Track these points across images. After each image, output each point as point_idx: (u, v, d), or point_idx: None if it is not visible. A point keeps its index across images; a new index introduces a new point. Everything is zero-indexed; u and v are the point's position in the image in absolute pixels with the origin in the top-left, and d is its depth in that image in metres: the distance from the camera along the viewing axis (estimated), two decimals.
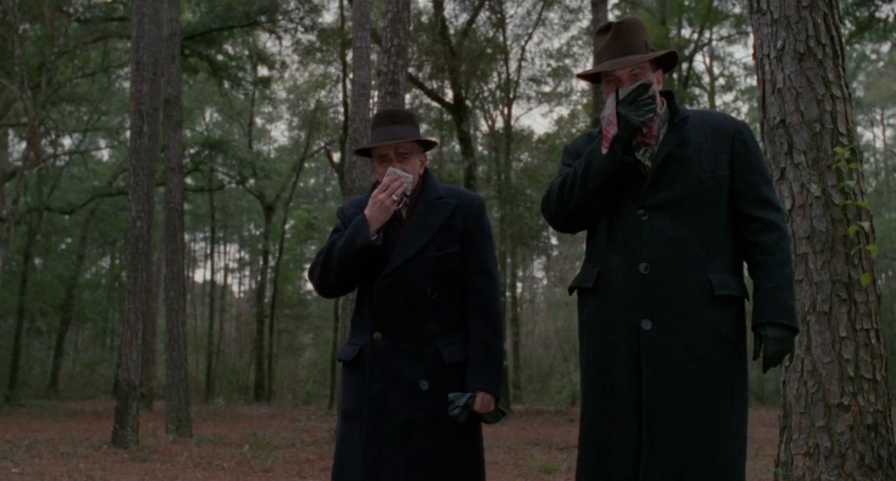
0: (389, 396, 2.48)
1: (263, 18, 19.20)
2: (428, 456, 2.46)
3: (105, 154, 31.17)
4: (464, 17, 19.85)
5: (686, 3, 20.45)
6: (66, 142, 27.01)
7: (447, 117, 20.71)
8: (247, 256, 38.33)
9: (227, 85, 21.63)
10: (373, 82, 11.58)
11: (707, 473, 2.24)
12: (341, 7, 20.83)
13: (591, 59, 21.39)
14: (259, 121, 32.55)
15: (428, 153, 2.77)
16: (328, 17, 35.16)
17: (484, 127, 25.38)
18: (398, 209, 2.59)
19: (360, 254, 2.51)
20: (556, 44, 38.77)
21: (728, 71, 26.79)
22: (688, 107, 2.51)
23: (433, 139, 2.76)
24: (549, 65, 24.60)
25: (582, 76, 2.60)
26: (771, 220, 2.37)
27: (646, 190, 2.36)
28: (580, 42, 24.69)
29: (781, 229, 2.37)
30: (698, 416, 2.25)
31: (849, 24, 15.52)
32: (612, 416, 2.33)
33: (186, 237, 29.80)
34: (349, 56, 19.53)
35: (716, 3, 20.30)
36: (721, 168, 2.38)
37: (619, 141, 2.34)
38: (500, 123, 24.14)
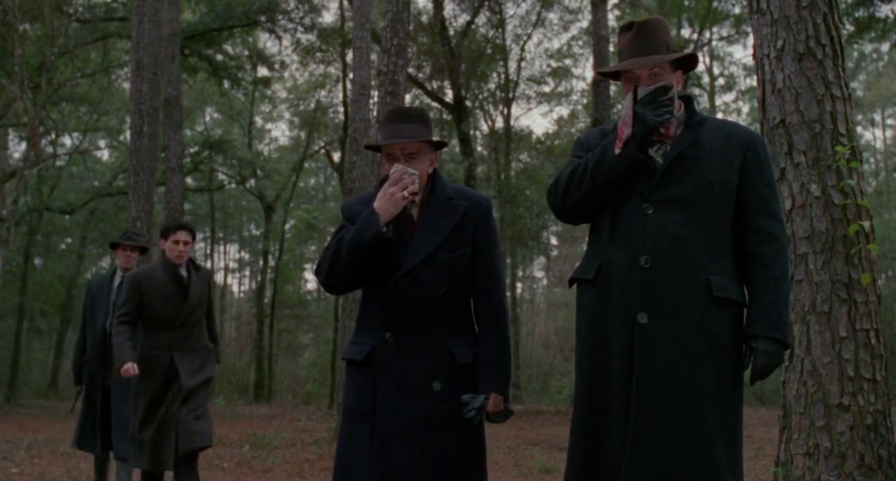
0: (401, 397, 2.48)
1: (263, 18, 19.20)
2: (437, 457, 2.46)
3: (105, 154, 31.17)
4: (464, 18, 19.88)
5: (686, 3, 20.45)
6: (67, 142, 27.03)
7: (447, 117, 20.72)
8: (247, 256, 38.32)
9: (227, 85, 21.63)
10: (373, 82, 11.57)
11: (689, 473, 2.23)
12: (341, 7, 20.84)
13: (590, 59, 21.39)
14: (259, 121, 32.56)
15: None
16: (328, 17, 35.15)
17: (484, 127, 25.40)
18: (408, 207, 2.57)
19: (370, 245, 2.46)
20: (555, 44, 38.76)
21: (728, 71, 26.81)
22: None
23: (443, 140, 2.73)
24: (548, 65, 24.63)
25: (602, 73, 2.63)
26: (773, 233, 2.38)
27: (654, 185, 2.37)
28: (580, 42, 24.70)
29: (782, 243, 2.39)
30: (683, 415, 2.25)
31: (848, 26, 15.52)
32: (604, 409, 2.34)
33: None
34: (349, 56, 19.53)
35: (716, 4, 20.30)
36: (731, 174, 2.39)
37: (634, 139, 2.36)
38: (499, 123, 24.16)
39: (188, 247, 4.83)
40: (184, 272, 4.85)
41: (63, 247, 28.82)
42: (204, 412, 4.75)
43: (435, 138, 2.64)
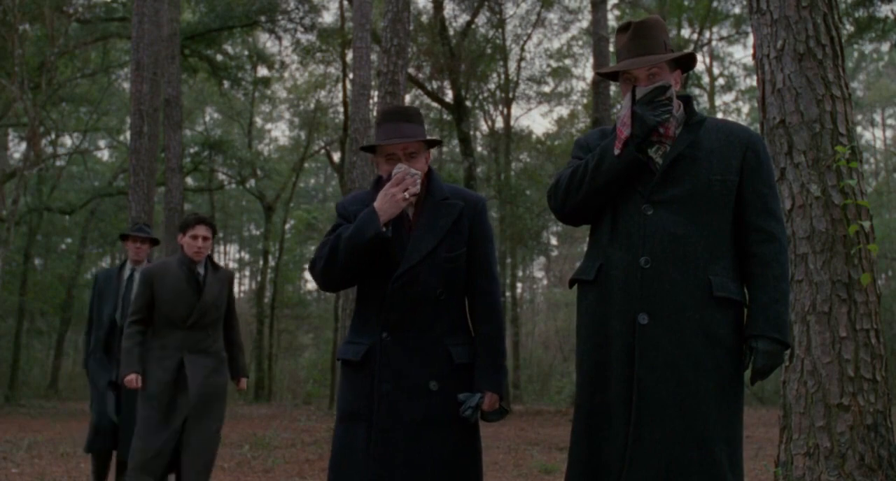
0: (397, 397, 2.47)
1: (263, 18, 19.21)
2: (433, 456, 2.46)
3: (105, 154, 31.18)
4: (463, 18, 19.88)
5: (686, 3, 20.46)
6: (67, 142, 27.04)
7: (447, 117, 20.73)
8: (247, 256, 38.34)
9: (226, 85, 21.63)
10: (373, 82, 11.57)
11: (691, 473, 2.24)
12: (341, 7, 20.84)
13: (590, 59, 21.41)
14: (259, 121, 32.58)
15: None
16: (328, 18, 35.18)
17: (484, 127, 25.41)
18: (404, 207, 2.56)
19: (369, 245, 2.45)
20: (555, 44, 38.77)
21: (728, 71, 26.83)
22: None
23: (438, 138, 2.74)
24: (548, 65, 24.64)
25: (600, 74, 2.63)
26: (773, 232, 2.38)
27: (654, 186, 2.37)
28: (580, 42, 24.71)
29: (781, 243, 2.39)
30: (684, 415, 2.26)
31: (848, 26, 15.52)
32: (606, 410, 2.34)
33: None
34: (349, 56, 19.53)
35: (715, 4, 20.31)
36: (731, 173, 2.39)
37: (633, 139, 2.36)
38: (499, 123, 24.17)
39: (208, 242, 4.50)
40: (200, 269, 4.54)
41: (63, 247, 28.81)
42: (213, 444, 4.39)
43: (429, 137, 2.65)
